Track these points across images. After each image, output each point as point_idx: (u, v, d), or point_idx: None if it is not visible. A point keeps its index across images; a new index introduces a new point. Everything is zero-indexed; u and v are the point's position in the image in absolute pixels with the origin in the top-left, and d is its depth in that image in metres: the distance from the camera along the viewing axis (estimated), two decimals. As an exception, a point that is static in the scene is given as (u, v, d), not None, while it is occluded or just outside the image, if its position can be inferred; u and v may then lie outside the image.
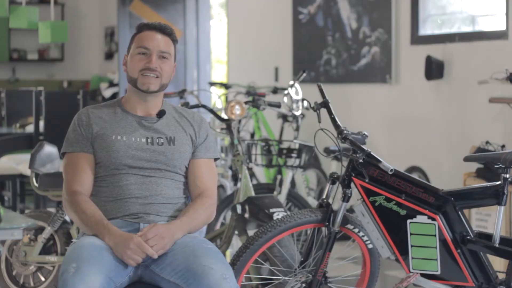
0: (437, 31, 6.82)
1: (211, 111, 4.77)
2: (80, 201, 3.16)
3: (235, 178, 6.62)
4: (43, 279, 4.52)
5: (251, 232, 4.39)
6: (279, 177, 6.19)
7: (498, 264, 4.39)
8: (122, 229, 3.14)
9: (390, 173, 3.55)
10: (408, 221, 3.59)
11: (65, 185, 3.23)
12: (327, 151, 6.03)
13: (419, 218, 3.58)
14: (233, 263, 3.64)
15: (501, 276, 3.61)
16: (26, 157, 6.09)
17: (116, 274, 3.00)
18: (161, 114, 3.30)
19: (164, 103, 3.36)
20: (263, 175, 7.62)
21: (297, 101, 6.22)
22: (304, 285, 3.74)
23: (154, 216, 3.19)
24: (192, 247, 3.08)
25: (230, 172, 6.72)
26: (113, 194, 3.19)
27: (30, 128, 7.08)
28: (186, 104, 4.68)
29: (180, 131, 3.30)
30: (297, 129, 6.39)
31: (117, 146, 3.20)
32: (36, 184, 4.55)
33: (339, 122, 3.72)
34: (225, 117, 4.71)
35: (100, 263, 2.96)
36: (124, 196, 3.18)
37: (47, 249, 4.51)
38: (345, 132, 3.66)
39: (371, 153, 3.59)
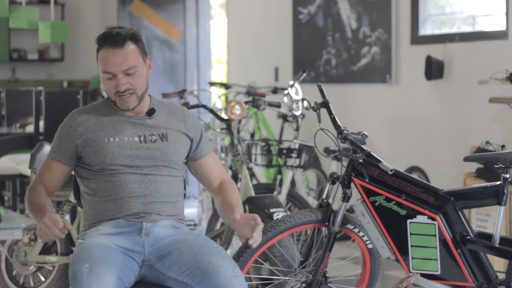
0: (437, 31, 6.82)
1: (211, 111, 4.77)
2: (34, 192, 3.21)
3: (235, 178, 6.62)
4: (43, 279, 4.52)
5: (251, 232, 4.39)
6: (279, 177, 6.19)
7: (498, 264, 4.39)
8: (124, 228, 3.15)
9: (390, 173, 3.55)
10: (408, 221, 3.59)
11: (32, 182, 3.29)
12: (327, 151, 6.03)
13: (419, 218, 3.58)
14: (233, 263, 3.64)
15: (501, 276, 3.61)
16: (26, 157, 6.09)
17: (124, 274, 3.01)
18: (151, 112, 3.28)
19: (152, 99, 3.34)
20: (263, 175, 7.62)
21: (297, 101, 6.22)
22: (304, 285, 3.74)
23: (155, 215, 3.19)
24: (198, 245, 3.09)
25: (230, 172, 6.72)
26: (113, 193, 3.19)
27: (30, 128, 7.08)
28: (186, 104, 4.67)
29: (172, 127, 3.30)
30: (297, 129, 6.39)
31: (110, 148, 3.20)
32: (36, 184, 4.54)
33: (339, 122, 3.72)
34: (225, 117, 4.71)
35: (111, 263, 2.98)
36: (124, 195, 3.18)
37: (47, 249, 4.51)
38: (345, 132, 3.66)
39: (371, 153, 3.59)
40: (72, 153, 3.25)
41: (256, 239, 3.04)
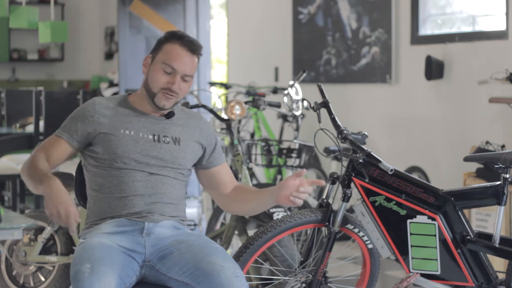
0: (437, 31, 6.82)
1: (211, 111, 4.77)
2: (36, 160, 3.17)
3: (235, 178, 6.61)
4: (43, 279, 4.52)
5: (251, 232, 4.39)
6: (279, 177, 6.19)
7: (498, 264, 4.39)
8: (126, 227, 3.15)
9: (390, 173, 3.55)
10: (408, 221, 3.59)
11: (33, 153, 3.23)
12: (327, 151, 6.03)
13: (419, 218, 3.58)
14: (233, 263, 3.64)
15: (501, 276, 3.61)
16: (26, 157, 6.09)
17: (125, 274, 3.01)
18: (169, 115, 3.30)
19: None
20: (263, 175, 7.62)
21: (297, 101, 6.22)
22: (304, 285, 3.74)
23: (158, 215, 3.19)
24: (198, 246, 3.09)
25: (230, 172, 6.71)
26: (118, 189, 3.18)
27: (30, 128, 7.08)
28: (186, 104, 4.68)
29: (186, 133, 3.31)
30: (297, 129, 6.39)
31: (125, 139, 3.20)
32: (36, 184, 4.54)
33: (339, 122, 3.72)
34: (225, 117, 4.71)
35: (112, 264, 2.98)
36: (129, 193, 3.18)
37: (47, 249, 4.51)
38: (345, 132, 3.66)
39: (371, 153, 3.58)
40: (82, 138, 3.23)
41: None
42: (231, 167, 6.72)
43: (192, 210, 7.86)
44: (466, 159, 3.76)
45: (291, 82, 6.30)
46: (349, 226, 3.78)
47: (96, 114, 3.24)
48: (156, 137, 3.25)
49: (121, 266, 3.00)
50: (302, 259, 3.78)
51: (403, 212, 3.60)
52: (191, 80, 3.26)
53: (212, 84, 8.74)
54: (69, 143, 3.24)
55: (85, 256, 2.99)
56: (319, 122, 3.72)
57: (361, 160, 3.62)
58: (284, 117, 7.01)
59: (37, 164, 3.15)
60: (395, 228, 3.62)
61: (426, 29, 6.87)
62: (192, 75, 3.24)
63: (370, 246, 3.84)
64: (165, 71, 3.21)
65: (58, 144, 3.25)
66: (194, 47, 3.23)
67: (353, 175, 3.66)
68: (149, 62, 3.27)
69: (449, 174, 6.47)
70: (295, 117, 6.35)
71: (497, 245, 3.52)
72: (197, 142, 3.32)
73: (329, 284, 3.79)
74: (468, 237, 3.55)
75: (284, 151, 5.67)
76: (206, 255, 3.03)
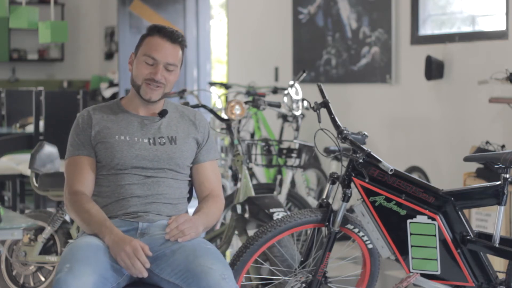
0: (437, 31, 6.82)
1: (211, 111, 4.77)
2: (83, 200, 3.17)
3: (235, 178, 6.62)
4: (43, 279, 4.52)
5: (251, 232, 4.39)
6: (279, 177, 6.19)
7: (498, 264, 4.39)
8: (120, 228, 3.14)
9: (390, 173, 3.55)
10: (408, 221, 3.59)
11: (67, 184, 3.24)
12: (327, 151, 6.03)
13: (419, 218, 3.58)
14: (233, 263, 3.64)
15: (501, 276, 3.61)
16: (26, 157, 6.09)
17: (112, 274, 2.99)
18: (163, 113, 3.30)
19: (166, 101, 3.36)
20: (263, 175, 7.62)
21: (297, 101, 6.22)
22: (304, 285, 3.74)
23: (153, 215, 3.19)
24: (191, 247, 3.08)
25: (230, 172, 6.72)
26: (115, 193, 3.19)
27: (30, 128, 7.08)
28: (186, 104, 4.67)
29: (182, 131, 3.31)
30: (297, 129, 6.39)
31: (121, 146, 3.21)
32: (36, 184, 4.55)
33: (339, 122, 3.72)
34: (225, 117, 4.71)
35: (95, 263, 2.96)
36: (125, 196, 3.18)
37: (47, 249, 4.51)
38: (345, 132, 3.66)
39: (371, 153, 3.58)
40: (91, 146, 3.24)
41: (170, 234, 3.09)
42: (231, 167, 6.75)
43: (192, 210, 7.85)
44: (466, 159, 3.76)
45: (291, 82, 6.30)
46: (349, 226, 3.77)
47: (92, 122, 3.26)
48: (151, 140, 3.25)
49: (107, 266, 2.99)
50: (302, 259, 3.78)
51: (403, 212, 3.59)
52: (176, 70, 3.27)
53: (212, 84, 8.73)
54: (89, 155, 3.24)
55: (68, 256, 2.99)
56: (319, 122, 3.72)
57: (361, 160, 3.62)
58: (284, 117, 7.01)
59: (88, 208, 3.15)
60: (395, 228, 3.62)
61: (426, 29, 6.87)
62: (175, 64, 3.25)
63: (370, 246, 3.84)
64: (147, 62, 3.23)
65: (82, 162, 3.24)
66: (174, 37, 3.25)
67: (353, 175, 3.66)
68: (133, 59, 3.30)
69: (449, 174, 6.47)
70: (295, 117, 6.35)
71: (497, 245, 3.52)
72: (193, 138, 3.32)
73: (329, 284, 3.79)
74: (468, 237, 3.55)
75: (284, 151, 5.67)
76: (197, 256, 3.02)
